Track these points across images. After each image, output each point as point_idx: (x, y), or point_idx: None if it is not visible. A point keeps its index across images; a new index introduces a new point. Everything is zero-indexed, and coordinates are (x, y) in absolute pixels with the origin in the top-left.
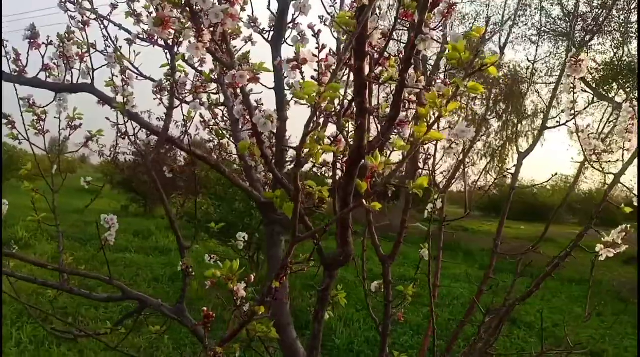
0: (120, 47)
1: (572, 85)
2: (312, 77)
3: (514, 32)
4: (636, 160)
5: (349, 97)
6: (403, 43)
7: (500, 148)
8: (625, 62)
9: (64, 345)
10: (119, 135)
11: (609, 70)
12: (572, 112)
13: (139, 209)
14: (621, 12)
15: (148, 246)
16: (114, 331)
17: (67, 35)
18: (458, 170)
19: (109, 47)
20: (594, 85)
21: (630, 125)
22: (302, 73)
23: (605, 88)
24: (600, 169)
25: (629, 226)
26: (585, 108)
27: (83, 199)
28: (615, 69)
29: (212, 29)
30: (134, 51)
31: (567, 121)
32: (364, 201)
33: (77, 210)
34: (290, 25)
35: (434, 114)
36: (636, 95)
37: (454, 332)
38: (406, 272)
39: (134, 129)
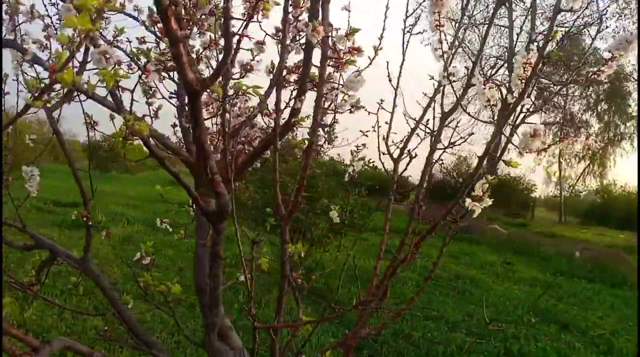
0: None
1: (437, 22)
2: None
3: (613, 25)
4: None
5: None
6: None
7: (600, 151)
8: None
9: None
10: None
11: None
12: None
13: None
14: None
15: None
16: (38, 282)
17: None
18: (410, 139)
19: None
20: None
21: (524, 71)
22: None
23: None
24: (492, 120)
25: (490, 176)
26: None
27: (170, 190)
28: None
29: None
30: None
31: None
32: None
33: (162, 200)
34: None
35: None
36: None
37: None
38: (464, 270)
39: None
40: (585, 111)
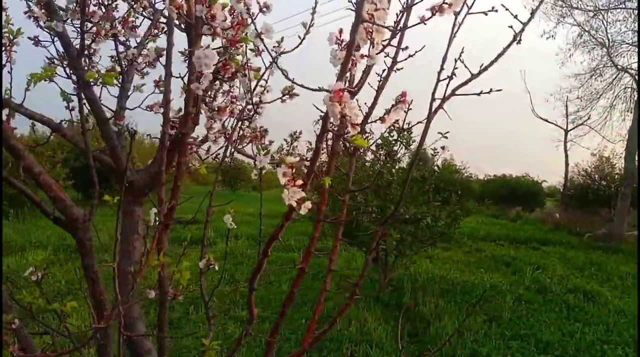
0: None
1: None
2: None
3: None
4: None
5: None
6: None
7: None
8: None
9: None
10: None
11: None
12: None
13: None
14: None
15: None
16: None
17: None
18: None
19: None
20: None
21: None
22: None
23: None
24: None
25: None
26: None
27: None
28: None
29: None
30: None
31: None
32: None
33: (271, 215)
34: None
35: None
36: None
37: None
38: (583, 283)
39: None
40: None
